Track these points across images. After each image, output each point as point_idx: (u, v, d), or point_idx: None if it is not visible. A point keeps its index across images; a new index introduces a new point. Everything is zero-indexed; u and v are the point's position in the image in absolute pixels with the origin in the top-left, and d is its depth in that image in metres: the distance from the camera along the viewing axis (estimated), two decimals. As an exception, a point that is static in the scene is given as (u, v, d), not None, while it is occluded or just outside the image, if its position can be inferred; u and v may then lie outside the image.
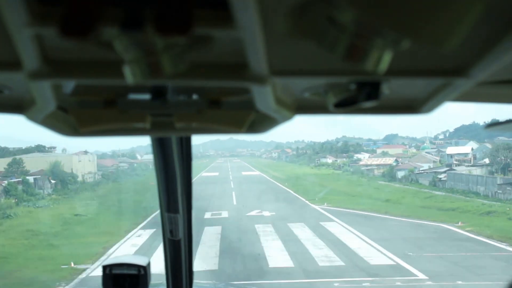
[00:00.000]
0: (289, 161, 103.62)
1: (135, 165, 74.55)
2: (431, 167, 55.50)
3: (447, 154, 64.03)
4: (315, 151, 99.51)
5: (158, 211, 2.60)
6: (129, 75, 0.60)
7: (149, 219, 29.76)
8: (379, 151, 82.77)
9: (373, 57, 0.56)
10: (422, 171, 52.49)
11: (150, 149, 2.32)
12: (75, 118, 0.87)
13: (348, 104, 0.72)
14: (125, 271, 2.31)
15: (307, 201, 37.90)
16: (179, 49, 0.57)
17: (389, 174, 55.13)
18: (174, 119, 0.88)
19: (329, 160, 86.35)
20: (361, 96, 0.70)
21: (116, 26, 0.52)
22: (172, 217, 2.41)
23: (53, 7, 0.52)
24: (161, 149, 2.20)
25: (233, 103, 0.84)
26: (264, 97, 0.71)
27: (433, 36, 0.57)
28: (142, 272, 2.31)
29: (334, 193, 42.03)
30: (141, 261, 2.34)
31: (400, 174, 53.48)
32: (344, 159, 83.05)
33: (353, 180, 55.41)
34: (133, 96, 0.84)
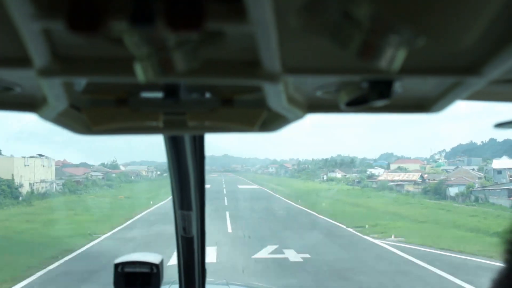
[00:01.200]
0: (289, 176, 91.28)
1: (113, 175, 63.55)
2: (474, 183, 41.85)
3: (493, 169, 50.34)
4: (317, 166, 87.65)
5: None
6: (140, 73, 0.57)
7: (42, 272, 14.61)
8: (393, 166, 72.99)
9: (388, 54, 0.54)
10: (486, 188, 38.06)
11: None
12: (88, 116, 0.85)
13: (359, 103, 0.71)
14: (137, 269, 2.17)
15: (354, 231, 22.52)
16: (191, 45, 0.55)
17: (436, 190, 41.07)
18: (186, 117, 0.86)
19: (338, 175, 75.46)
20: (373, 95, 0.68)
21: (125, 21, 0.49)
22: (186, 215, 2.30)
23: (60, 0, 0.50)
24: (174, 147, 2.07)
25: (245, 101, 0.83)
26: (276, 95, 0.70)
27: (449, 33, 0.56)
28: (155, 270, 2.17)
29: (385, 217, 27.97)
30: (154, 259, 2.19)
31: (452, 190, 39.14)
32: (355, 174, 72.59)
33: (390, 198, 42.45)
34: (145, 95, 0.83)
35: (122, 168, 74.44)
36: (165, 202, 36.56)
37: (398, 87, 0.69)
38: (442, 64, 0.64)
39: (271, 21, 0.51)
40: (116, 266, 2.14)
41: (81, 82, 0.77)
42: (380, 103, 0.68)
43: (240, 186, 62.10)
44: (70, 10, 0.48)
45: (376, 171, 71.61)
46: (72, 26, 0.48)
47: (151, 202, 37.04)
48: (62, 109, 0.77)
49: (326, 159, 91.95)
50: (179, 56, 0.55)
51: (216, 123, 0.87)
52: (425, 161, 78.67)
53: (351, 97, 0.70)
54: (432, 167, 68.09)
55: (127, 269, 2.16)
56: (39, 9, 0.51)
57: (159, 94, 0.81)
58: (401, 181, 54.42)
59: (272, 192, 52.60)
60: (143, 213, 31.03)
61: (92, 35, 0.49)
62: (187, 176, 2.13)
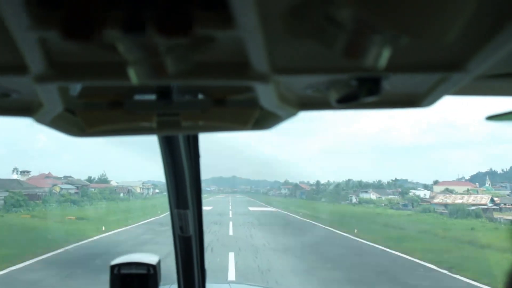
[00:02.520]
0: (307, 198, 74.86)
1: (94, 190, 51.17)
2: None
3: None
4: (340, 188, 72.17)
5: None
6: (134, 76, 0.59)
7: None
8: (436, 188, 58.67)
9: (372, 53, 0.55)
10: None
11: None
12: (82, 119, 0.87)
13: (350, 99, 0.72)
14: (134, 271, 2.07)
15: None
16: (181, 50, 0.56)
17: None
18: (180, 118, 0.87)
19: (373, 196, 60.16)
20: (362, 92, 0.69)
21: (118, 29, 0.51)
22: (182, 213, 2.25)
23: (54, 10, 0.51)
24: (168, 146, 2.06)
25: (238, 101, 0.83)
26: (267, 94, 0.71)
27: (432, 31, 0.57)
28: (152, 271, 2.08)
29: None
30: (151, 259, 2.10)
31: None
32: (391, 195, 58.61)
33: (500, 229, 25.10)
34: (138, 97, 0.84)
35: (113, 183, 59.75)
36: (124, 230, 23.83)
37: (386, 83, 0.70)
38: (427, 61, 0.65)
39: (257, 26, 0.52)
40: (112, 267, 2.04)
41: (76, 87, 0.77)
42: (370, 99, 0.69)
43: (252, 209, 47.11)
44: (65, 21, 0.49)
45: (421, 192, 56.82)
46: (66, 35, 0.49)
47: (103, 228, 23.61)
48: (58, 113, 0.77)
49: (349, 180, 75.86)
50: (170, 59, 0.56)
51: (209, 122, 0.87)
52: (477, 183, 62.91)
53: (341, 94, 0.70)
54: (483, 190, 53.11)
55: (123, 271, 2.06)
56: (35, 20, 0.52)
57: (152, 96, 0.81)
58: (476, 204, 39.13)
59: (298, 216, 37.62)
60: (68, 247, 17.51)
61: (86, 42, 0.50)
62: (183, 174, 2.09)
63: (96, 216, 31.12)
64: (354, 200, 60.25)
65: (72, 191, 46.98)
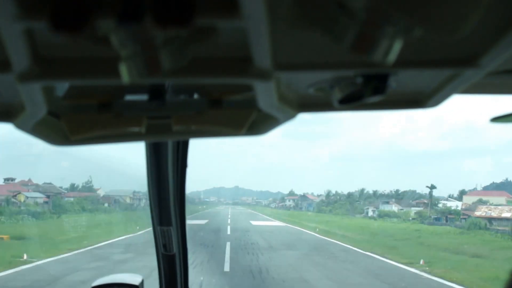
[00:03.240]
0: (316, 210, 66.16)
1: (71, 199, 43.63)
2: None
3: None
4: (353, 199, 64.03)
5: None
6: (125, 73, 0.54)
7: None
8: (467, 198, 50.44)
9: (383, 46, 0.52)
10: None
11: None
12: (67, 124, 0.80)
13: (353, 99, 0.69)
14: None
15: None
16: (179, 43, 0.52)
17: None
18: (171, 121, 0.82)
19: (395, 207, 51.84)
20: (368, 90, 0.66)
21: (112, 19, 0.47)
22: (165, 230, 2.13)
23: None
24: (155, 156, 1.95)
25: (234, 102, 0.79)
26: (267, 93, 0.67)
27: (445, 23, 0.53)
28: None
29: None
30: (133, 279, 2.06)
31: None
32: (414, 207, 50.21)
33: None
34: (130, 97, 0.79)
35: (100, 191, 52.08)
36: (60, 258, 16.46)
37: (393, 81, 0.66)
38: (438, 56, 0.62)
39: (264, 14, 0.48)
40: None
41: (63, 86, 0.72)
42: (375, 99, 0.66)
43: (254, 223, 39.01)
44: (54, 10, 0.44)
45: (452, 204, 48.42)
46: (56, 26, 0.44)
47: (25, 257, 15.66)
48: (41, 117, 0.71)
49: (363, 190, 67.32)
50: (165, 54, 0.52)
51: (201, 127, 0.83)
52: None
53: (345, 93, 0.67)
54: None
55: None
56: (22, 9, 0.47)
57: (144, 97, 0.76)
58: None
59: (317, 234, 29.43)
60: None
61: (77, 35, 0.45)
62: (167, 189, 1.99)
63: (45, 234, 22.58)
64: (370, 213, 52.07)
65: (41, 201, 39.43)
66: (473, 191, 54.53)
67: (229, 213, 54.74)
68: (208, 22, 0.50)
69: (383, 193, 60.15)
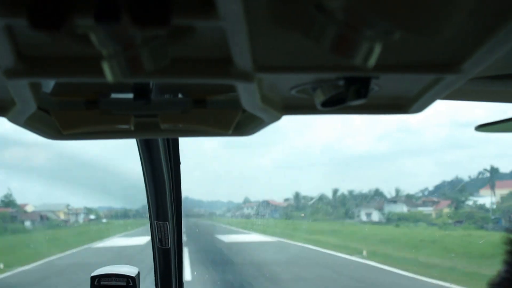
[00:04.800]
0: (283, 216, 50.47)
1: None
2: None
3: None
4: (328, 201, 49.82)
5: None
6: (108, 72, 0.54)
7: None
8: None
9: (363, 49, 0.50)
10: None
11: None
12: (57, 120, 0.82)
13: (336, 102, 0.68)
14: (114, 282, 2.05)
15: None
16: (159, 42, 0.52)
17: None
18: (159, 119, 0.84)
19: (404, 209, 38.17)
20: (349, 94, 0.66)
21: (90, 17, 0.46)
22: (162, 225, 2.22)
23: None
24: (148, 153, 2.01)
25: (219, 102, 0.81)
26: (249, 95, 0.67)
27: (427, 27, 0.53)
28: (131, 283, 2.05)
29: None
30: (130, 271, 2.08)
31: None
32: (421, 207, 37.74)
33: None
34: (116, 96, 0.81)
35: (28, 207, 37.66)
36: None
37: (375, 86, 0.67)
38: (420, 61, 0.61)
39: (241, 15, 0.48)
40: (93, 279, 2.04)
41: (49, 84, 0.74)
42: (357, 102, 0.65)
43: (225, 239, 24.59)
44: (32, 7, 0.43)
45: (485, 200, 35.35)
46: (34, 24, 0.44)
47: None
48: (31, 112, 0.72)
49: (336, 191, 53.39)
50: (147, 54, 0.51)
51: (189, 125, 0.84)
52: None
53: (328, 96, 0.67)
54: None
55: (103, 282, 2.05)
56: (1, 5, 0.47)
57: (129, 95, 0.77)
58: None
59: (384, 266, 14.22)
60: None
61: (56, 32, 0.45)
62: (163, 184, 2.08)
63: None
64: (364, 216, 38.70)
65: None
66: (500, 183, 42.01)
67: (184, 225, 39.24)
68: (186, 22, 0.49)
69: (361, 193, 47.35)
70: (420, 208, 36.81)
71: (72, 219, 41.35)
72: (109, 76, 0.53)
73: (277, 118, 0.76)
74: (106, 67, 0.52)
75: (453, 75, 0.62)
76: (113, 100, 0.79)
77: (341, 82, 0.64)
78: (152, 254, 2.33)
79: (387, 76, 0.63)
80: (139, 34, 0.49)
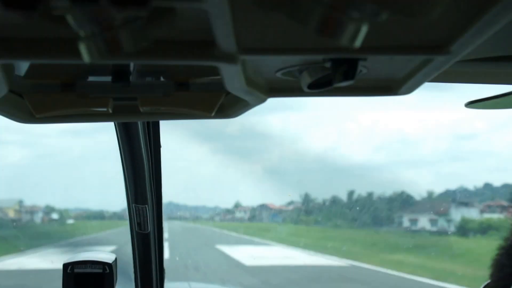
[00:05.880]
0: (290, 221, 38.00)
1: None
2: None
3: None
4: (360, 206, 37.20)
5: None
6: (85, 53, 0.51)
7: None
8: None
9: (349, 30, 0.49)
10: None
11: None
12: (30, 103, 0.78)
13: (323, 85, 0.67)
14: (89, 270, 1.88)
15: None
16: (139, 24, 0.49)
17: None
18: (138, 103, 0.80)
19: (475, 214, 25.46)
20: (336, 76, 0.64)
21: None
22: (140, 209, 2.06)
23: None
24: (126, 134, 1.87)
25: (202, 84, 0.78)
26: (233, 77, 0.65)
27: (414, 7, 0.51)
28: (108, 270, 1.88)
29: None
30: (106, 258, 1.90)
31: None
32: (486, 214, 24.42)
33: None
34: (93, 79, 0.77)
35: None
36: None
37: (363, 67, 0.66)
38: (408, 42, 0.60)
39: None
40: (65, 266, 1.86)
41: (22, 66, 0.71)
42: (345, 84, 0.64)
43: (236, 255, 12.78)
44: None
45: None
46: (7, 3, 0.41)
47: None
48: (2, 95, 0.70)
49: (352, 192, 41.67)
50: (126, 35, 0.49)
51: (170, 108, 0.81)
52: None
53: (314, 78, 0.66)
54: None
55: (77, 270, 1.87)
56: None
57: (108, 78, 0.75)
58: None
59: None
60: None
61: (30, 13, 0.42)
62: (142, 167, 1.94)
63: None
64: (406, 223, 27.78)
65: None
66: None
67: (166, 229, 27.57)
68: (167, 4, 0.48)
69: (382, 196, 36.62)
70: (487, 215, 26.17)
71: (26, 217, 31.40)
72: (86, 57, 0.50)
73: (262, 100, 0.74)
74: (83, 48, 0.50)
75: (441, 56, 0.61)
76: (91, 83, 0.75)
77: (328, 64, 0.63)
78: (131, 239, 2.19)
79: (375, 57, 0.63)
80: (118, 15, 0.46)
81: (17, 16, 0.44)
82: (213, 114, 0.79)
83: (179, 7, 0.50)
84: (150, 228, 2.09)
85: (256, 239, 22.28)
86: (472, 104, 1.03)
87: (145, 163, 1.91)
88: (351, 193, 36.93)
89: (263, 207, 48.10)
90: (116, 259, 1.88)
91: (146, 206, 2.03)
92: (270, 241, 20.16)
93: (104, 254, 1.90)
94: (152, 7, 0.43)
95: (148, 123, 1.88)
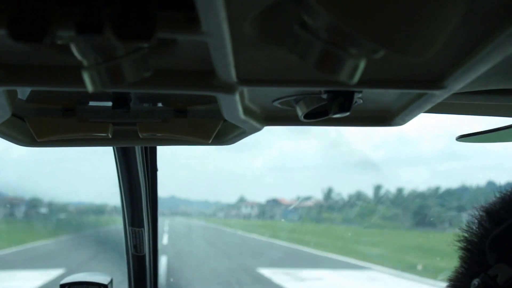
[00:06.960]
0: (310, 219, 30.00)
1: None
2: None
3: None
4: (396, 203, 28.62)
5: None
6: (88, 82, 0.51)
7: None
8: None
9: (347, 67, 0.48)
10: None
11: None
12: (32, 126, 0.79)
13: (319, 114, 0.68)
14: None
15: None
16: (141, 54, 0.50)
17: None
18: (137, 128, 0.81)
19: None
20: (333, 107, 0.65)
21: (72, 29, 0.44)
22: (137, 231, 2.03)
23: (2, 5, 0.45)
24: (124, 159, 1.86)
25: (200, 112, 0.80)
26: (231, 106, 0.66)
27: (412, 47, 0.50)
28: None
29: None
30: (102, 279, 1.89)
31: None
32: None
33: None
34: (94, 104, 0.79)
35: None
36: None
37: (358, 99, 0.67)
38: (404, 76, 0.61)
39: (225, 30, 0.47)
40: (62, 287, 1.85)
41: (25, 91, 0.73)
42: (340, 115, 0.65)
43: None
44: (13, 18, 0.42)
45: None
46: (15, 36, 0.42)
47: None
48: (5, 118, 0.71)
49: (379, 187, 33.60)
50: (128, 65, 0.50)
51: (168, 134, 0.82)
52: None
53: (311, 108, 0.67)
54: None
55: None
56: None
57: (108, 104, 0.76)
58: None
59: None
60: None
61: (37, 44, 0.43)
62: (138, 191, 1.92)
63: None
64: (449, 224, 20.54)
65: None
66: None
67: (167, 230, 20.15)
68: (169, 36, 0.49)
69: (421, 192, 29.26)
70: None
71: (3, 211, 25.12)
72: (89, 86, 0.50)
73: (258, 129, 0.75)
74: (86, 77, 0.50)
75: (435, 91, 0.61)
76: (91, 108, 0.77)
77: (324, 95, 0.63)
78: (126, 261, 2.14)
79: (371, 91, 0.63)
80: (121, 46, 0.48)
81: (24, 46, 0.45)
82: (210, 141, 0.80)
83: (181, 40, 0.50)
84: (145, 250, 2.06)
85: (307, 249, 14.66)
86: (463, 138, 1.04)
87: (142, 188, 1.88)
88: (377, 188, 28.89)
89: (274, 202, 40.17)
90: (111, 280, 1.86)
91: (142, 229, 2.00)
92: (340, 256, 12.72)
93: (100, 276, 1.87)
94: (155, 40, 0.42)
95: (145, 147, 1.84)
